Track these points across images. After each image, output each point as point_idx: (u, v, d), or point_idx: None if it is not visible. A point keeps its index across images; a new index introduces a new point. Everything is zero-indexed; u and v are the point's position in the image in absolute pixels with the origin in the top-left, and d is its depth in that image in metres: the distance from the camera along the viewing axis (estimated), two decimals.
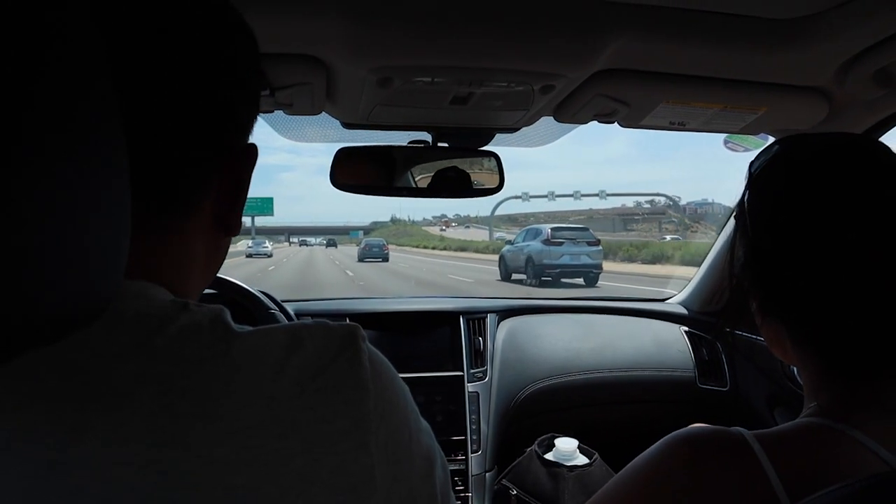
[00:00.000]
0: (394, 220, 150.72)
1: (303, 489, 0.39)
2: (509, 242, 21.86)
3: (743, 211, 0.70)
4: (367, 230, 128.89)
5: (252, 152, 0.52)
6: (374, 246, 38.62)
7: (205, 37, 0.46)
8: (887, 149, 0.66)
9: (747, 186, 0.70)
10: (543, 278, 17.72)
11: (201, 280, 0.53)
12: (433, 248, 61.38)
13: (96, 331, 0.40)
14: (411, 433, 0.47)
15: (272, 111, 1.22)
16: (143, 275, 0.45)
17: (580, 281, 17.75)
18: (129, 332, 0.41)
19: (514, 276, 19.11)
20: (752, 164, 0.72)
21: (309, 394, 0.41)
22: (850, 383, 0.64)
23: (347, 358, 0.44)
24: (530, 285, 17.40)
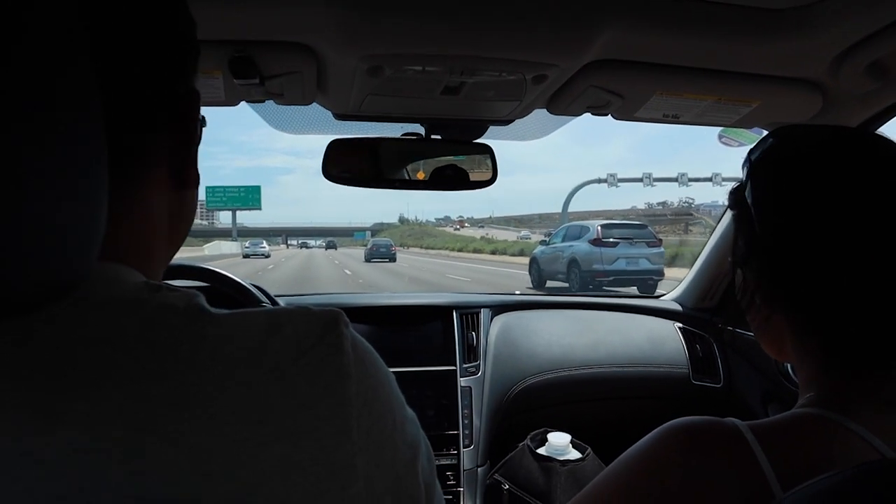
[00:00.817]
0: (403, 221, 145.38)
1: (282, 476, 0.38)
2: (543, 242, 18.21)
3: (744, 201, 0.69)
4: (374, 231, 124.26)
5: (195, 97, 0.51)
6: (381, 246, 39.21)
7: None
8: (891, 142, 0.66)
9: (748, 175, 0.70)
10: (591, 286, 14.25)
11: (169, 246, 0.52)
12: (474, 252, 51.54)
13: (69, 316, 0.39)
14: (395, 420, 0.46)
15: (263, 101, 1.22)
16: (111, 252, 0.44)
17: (633, 290, 13.23)
18: (102, 316, 0.40)
19: (550, 283, 15.97)
20: (751, 152, 0.71)
21: (289, 378, 0.40)
22: (849, 375, 0.63)
23: (329, 343, 0.43)
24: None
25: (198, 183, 0.52)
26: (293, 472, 0.39)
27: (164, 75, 0.47)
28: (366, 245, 45.30)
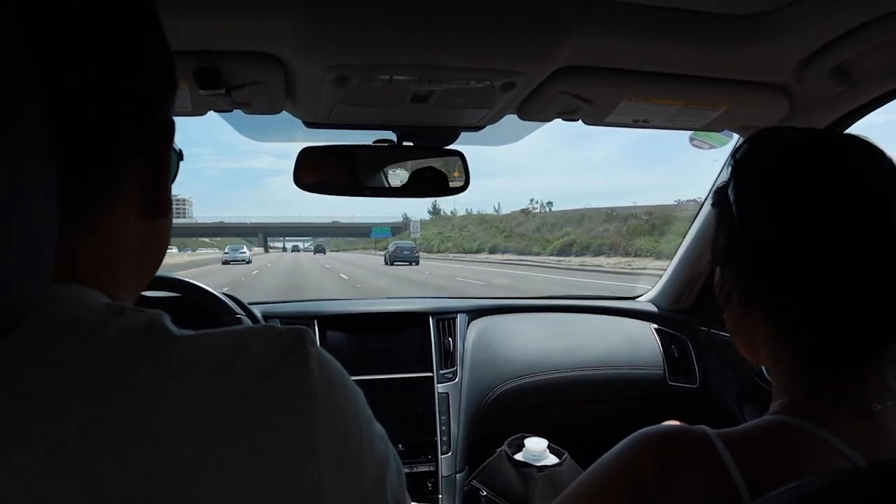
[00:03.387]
0: (436, 213, 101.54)
1: (246, 498, 0.38)
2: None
3: (726, 199, 0.70)
4: (398, 228, 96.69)
5: (168, 126, 0.50)
6: (404, 249, 38.71)
7: (113, 19, 0.45)
8: (871, 145, 0.67)
9: (732, 173, 0.70)
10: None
11: (140, 273, 0.52)
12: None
13: (28, 338, 0.38)
14: (363, 439, 0.46)
15: (231, 110, 1.20)
16: (73, 275, 0.43)
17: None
18: (62, 338, 0.39)
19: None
20: (735, 151, 0.72)
21: (253, 399, 0.40)
22: (822, 379, 0.64)
23: (293, 362, 0.42)
24: None
25: (168, 210, 0.51)
26: (257, 494, 0.38)
27: (132, 107, 0.46)
28: (386, 248, 43.68)
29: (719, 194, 0.71)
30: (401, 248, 39.02)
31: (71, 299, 0.42)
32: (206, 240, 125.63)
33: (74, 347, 0.39)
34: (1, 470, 0.35)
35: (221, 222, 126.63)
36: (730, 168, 0.71)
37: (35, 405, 0.37)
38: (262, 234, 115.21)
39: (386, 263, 35.45)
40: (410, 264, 34.89)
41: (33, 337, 0.38)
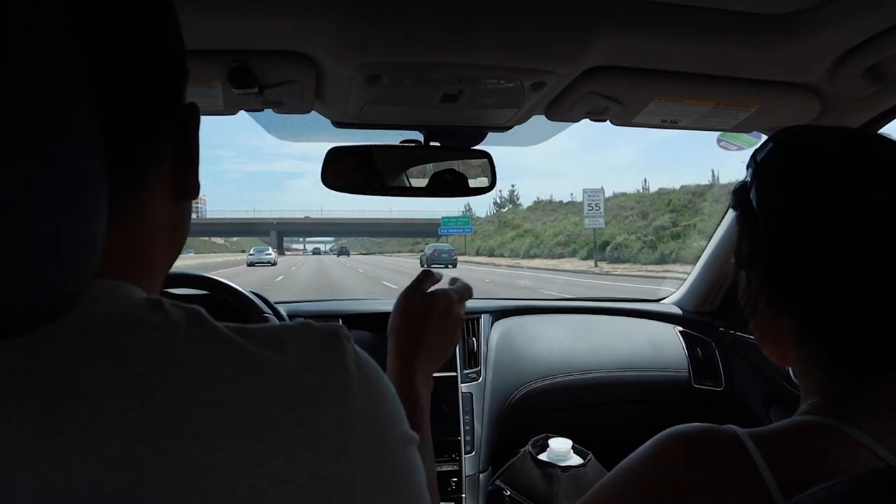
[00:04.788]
0: (513, 201, 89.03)
1: (279, 490, 0.38)
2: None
3: (748, 201, 0.69)
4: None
5: (194, 111, 0.51)
6: (442, 252, 38.44)
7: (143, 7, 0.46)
8: None
9: (754, 176, 0.69)
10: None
11: (169, 254, 0.53)
12: None
13: (69, 332, 0.39)
14: (396, 438, 0.46)
15: (262, 109, 1.22)
16: (107, 264, 0.43)
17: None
18: (102, 333, 0.40)
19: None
20: (756, 152, 0.71)
21: (290, 393, 0.41)
22: (853, 380, 0.63)
23: (330, 359, 0.43)
24: None
25: (197, 194, 0.53)
26: (291, 486, 0.39)
27: (163, 89, 0.47)
28: (422, 251, 42.37)
29: (740, 196, 0.71)
30: (438, 251, 38.89)
31: (110, 294, 0.43)
32: (220, 241, 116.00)
33: (114, 341, 0.40)
34: (41, 459, 0.36)
35: (223, 218, 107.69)
36: (751, 169, 0.70)
37: (74, 396, 0.37)
38: (276, 232, 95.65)
39: (422, 266, 35.11)
40: (447, 266, 34.76)
41: (74, 332, 0.39)
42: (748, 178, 0.70)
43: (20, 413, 0.37)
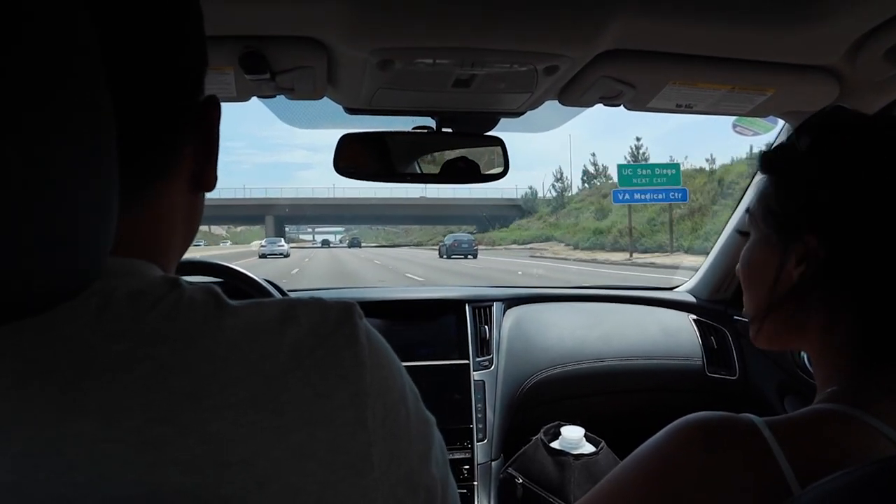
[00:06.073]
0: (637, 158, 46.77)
1: (298, 464, 0.39)
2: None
3: (793, 163, 0.68)
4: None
5: (214, 102, 0.52)
6: (462, 242, 37.04)
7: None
8: None
9: (812, 146, 0.67)
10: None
11: (184, 241, 0.54)
12: None
13: (89, 310, 0.39)
14: (409, 411, 0.47)
15: (274, 96, 1.21)
16: (129, 250, 0.45)
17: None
18: (122, 310, 0.40)
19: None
20: (804, 124, 0.69)
21: (305, 368, 0.41)
22: (876, 369, 0.62)
23: (344, 333, 0.43)
24: None
25: (214, 186, 0.54)
26: (309, 460, 0.39)
27: (185, 79, 0.48)
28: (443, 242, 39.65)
29: (782, 157, 0.69)
30: (459, 241, 37.64)
31: (128, 272, 0.43)
32: (223, 232, 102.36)
33: (133, 318, 0.40)
34: (63, 436, 0.36)
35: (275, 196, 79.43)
36: (792, 134, 0.69)
37: (95, 373, 0.38)
38: (272, 217, 69.91)
39: (441, 257, 34.77)
40: (466, 257, 34.17)
41: (94, 309, 0.40)
42: (793, 138, 0.69)
43: (41, 390, 0.37)
